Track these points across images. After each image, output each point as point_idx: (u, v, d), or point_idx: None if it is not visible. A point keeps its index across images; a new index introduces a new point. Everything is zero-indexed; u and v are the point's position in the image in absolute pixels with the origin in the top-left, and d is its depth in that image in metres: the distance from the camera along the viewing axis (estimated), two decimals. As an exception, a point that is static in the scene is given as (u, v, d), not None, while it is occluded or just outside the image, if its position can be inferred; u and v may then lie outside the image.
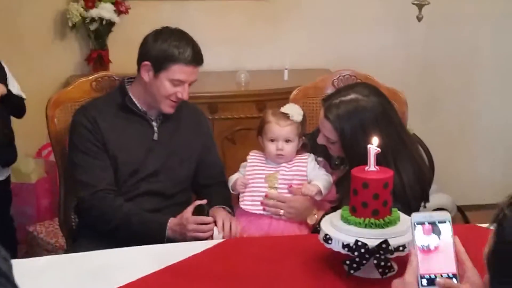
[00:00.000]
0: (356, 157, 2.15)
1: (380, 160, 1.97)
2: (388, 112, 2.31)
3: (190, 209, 2.38)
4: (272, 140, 2.44)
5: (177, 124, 2.62)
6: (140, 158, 2.53)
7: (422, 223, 1.60)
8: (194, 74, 2.51)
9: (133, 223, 2.42)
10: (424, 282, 1.58)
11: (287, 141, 2.43)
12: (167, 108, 2.52)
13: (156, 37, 2.49)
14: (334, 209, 2.18)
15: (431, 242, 1.60)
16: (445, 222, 1.61)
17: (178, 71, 2.45)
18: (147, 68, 2.47)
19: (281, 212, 2.40)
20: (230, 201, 2.58)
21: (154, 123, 2.57)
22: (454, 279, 1.58)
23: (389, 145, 2.22)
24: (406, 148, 2.32)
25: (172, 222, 2.39)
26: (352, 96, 2.29)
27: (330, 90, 2.76)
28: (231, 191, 2.50)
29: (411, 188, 2.26)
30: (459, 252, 1.59)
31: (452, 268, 1.58)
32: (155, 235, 2.36)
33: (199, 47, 2.50)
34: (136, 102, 2.55)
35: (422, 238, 1.60)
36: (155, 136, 2.57)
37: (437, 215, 1.62)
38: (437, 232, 1.60)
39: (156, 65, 2.45)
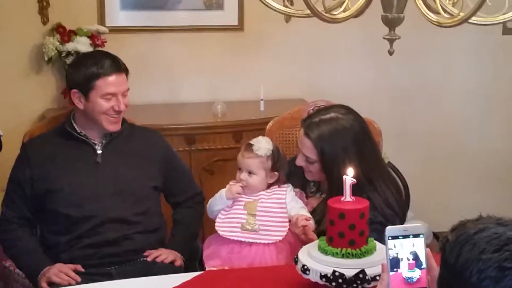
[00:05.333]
0: (335, 177, 2.21)
1: (361, 179, 2.12)
2: (366, 130, 2.41)
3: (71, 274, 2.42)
4: (239, 169, 2.47)
5: (122, 147, 2.63)
6: (81, 182, 2.53)
7: (396, 237, 1.58)
8: (122, 83, 2.55)
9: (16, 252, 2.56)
10: None
11: (250, 173, 2.44)
12: (110, 125, 2.56)
13: (75, 65, 2.63)
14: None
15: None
16: (419, 236, 1.58)
17: (104, 84, 2.51)
18: (77, 95, 2.54)
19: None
20: (192, 232, 2.72)
21: (97, 147, 2.59)
22: None
23: (369, 163, 2.32)
24: (384, 168, 2.44)
25: (48, 269, 2.44)
26: (331, 115, 2.37)
27: (305, 121, 2.80)
28: (226, 199, 2.43)
29: (389, 206, 2.33)
30: (430, 268, 1.58)
31: (423, 283, 1.58)
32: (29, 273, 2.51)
33: (118, 58, 2.58)
34: (75, 126, 2.58)
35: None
36: (99, 159, 2.58)
37: (412, 228, 1.59)
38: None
39: (83, 89, 2.52)
